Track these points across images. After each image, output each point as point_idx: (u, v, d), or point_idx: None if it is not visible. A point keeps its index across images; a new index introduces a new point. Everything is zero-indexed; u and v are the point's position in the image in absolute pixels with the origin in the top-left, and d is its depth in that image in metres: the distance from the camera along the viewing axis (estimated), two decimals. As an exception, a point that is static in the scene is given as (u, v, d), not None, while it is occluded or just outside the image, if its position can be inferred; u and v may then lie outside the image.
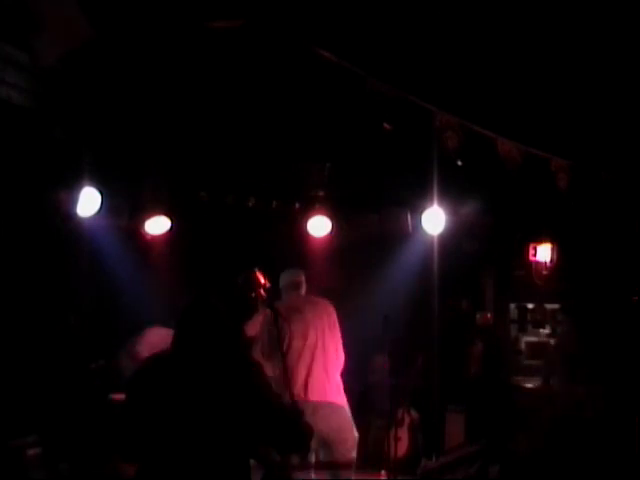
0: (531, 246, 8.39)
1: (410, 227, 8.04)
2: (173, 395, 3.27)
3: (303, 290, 6.26)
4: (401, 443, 7.69)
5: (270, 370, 6.55)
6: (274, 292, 6.25)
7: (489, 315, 8.69)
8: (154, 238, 8.00)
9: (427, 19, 5.45)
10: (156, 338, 7.79)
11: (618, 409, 6.21)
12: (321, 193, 8.16)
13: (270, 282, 6.03)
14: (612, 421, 6.18)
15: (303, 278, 6.29)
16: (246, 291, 6.15)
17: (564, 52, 5.78)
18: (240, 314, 7.09)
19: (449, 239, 7.83)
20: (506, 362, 8.49)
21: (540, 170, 6.54)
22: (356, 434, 5.90)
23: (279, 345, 4.94)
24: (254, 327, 7.25)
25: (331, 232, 8.29)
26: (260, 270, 6.19)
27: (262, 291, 5.92)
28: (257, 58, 5.38)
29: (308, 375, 5.53)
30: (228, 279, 6.48)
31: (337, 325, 6.05)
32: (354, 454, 5.72)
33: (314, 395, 5.37)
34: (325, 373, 5.63)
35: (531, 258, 8.42)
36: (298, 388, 5.08)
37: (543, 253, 8.36)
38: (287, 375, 4.33)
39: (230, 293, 5.96)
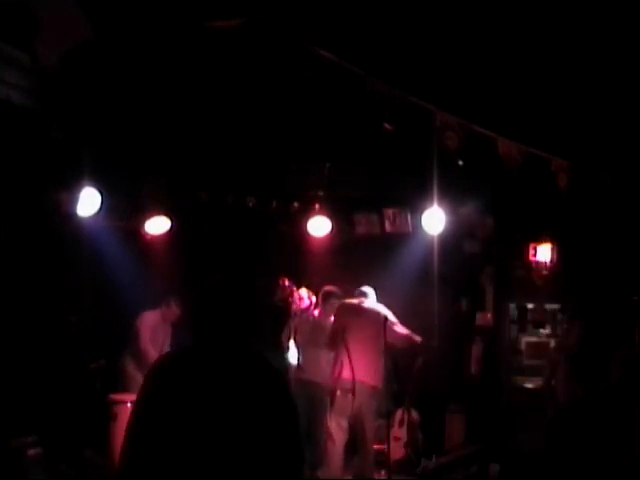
0: (531, 246, 8.37)
1: (410, 227, 8.05)
2: (187, 407, 2.65)
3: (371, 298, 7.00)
4: (401, 443, 7.69)
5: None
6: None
7: (489, 315, 8.69)
8: (154, 238, 8.00)
9: (427, 19, 5.44)
10: (152, 317, 7.82)
11: (619, 409, 6.20)
12: (321, 193, 8.17)
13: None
14: (613, 421, 6.17)
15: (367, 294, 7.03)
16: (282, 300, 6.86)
17: (564, 52, 5.77)
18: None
19: (449, 239, 7.83)
20: (506, 362, 8.48)
21: (540, 170, 6.53)
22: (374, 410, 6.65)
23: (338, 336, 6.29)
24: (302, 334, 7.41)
25: (331, 232, 8.29)
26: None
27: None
28: (257, 58, 5.38)
29: (358, 360, 6.46)
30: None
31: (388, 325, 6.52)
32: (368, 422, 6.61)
33: (358, 376, 6.41)
34: (369, 359, 6.53)
35: (531, 258, 8.40)
36: (347, 370, 6.40)
37: (543, 253, 8.34)
38: (341, 359, 6.27)
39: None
